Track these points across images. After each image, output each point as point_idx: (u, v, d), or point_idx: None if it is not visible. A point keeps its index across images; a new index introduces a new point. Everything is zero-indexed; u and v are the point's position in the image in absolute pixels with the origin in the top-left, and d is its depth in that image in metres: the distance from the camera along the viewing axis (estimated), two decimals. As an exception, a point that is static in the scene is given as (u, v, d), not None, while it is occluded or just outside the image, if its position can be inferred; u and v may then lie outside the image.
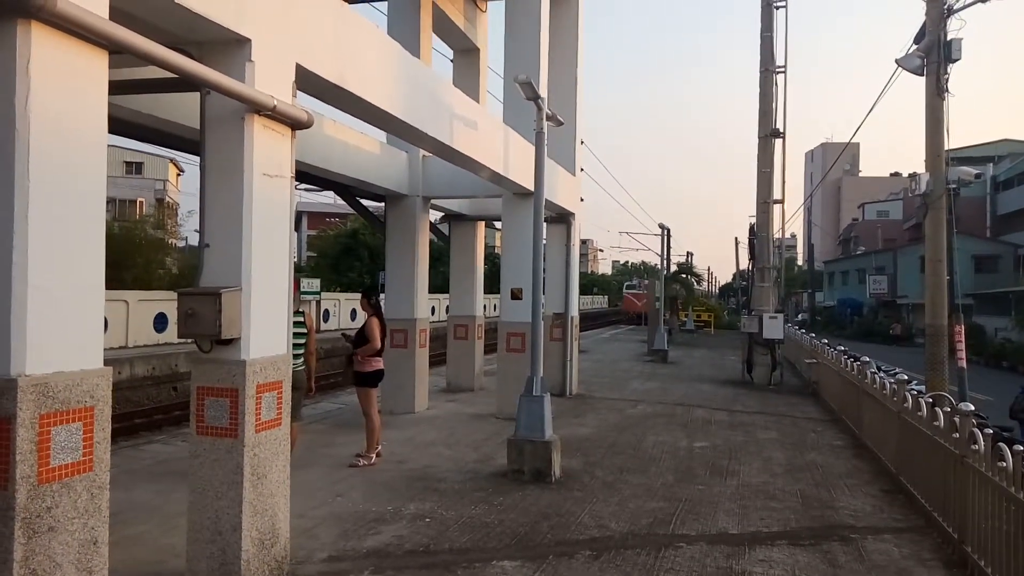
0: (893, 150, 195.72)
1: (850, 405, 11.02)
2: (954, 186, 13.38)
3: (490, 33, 14.59)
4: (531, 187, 9.27)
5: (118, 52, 3.66)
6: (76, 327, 3.48)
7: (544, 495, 7.13)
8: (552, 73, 12.36)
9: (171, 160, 48.39)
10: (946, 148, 11.93)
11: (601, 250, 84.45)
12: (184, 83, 4.49)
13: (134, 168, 48.61)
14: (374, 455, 8.13)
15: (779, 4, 17.36)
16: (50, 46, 3.27)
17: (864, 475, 8.34)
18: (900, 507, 7.07)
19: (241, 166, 4.62)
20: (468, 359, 14.38)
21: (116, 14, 3.60)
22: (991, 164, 52.24)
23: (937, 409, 6.60)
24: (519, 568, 5.29)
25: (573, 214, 13.82)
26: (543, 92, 10.12)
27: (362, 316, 8.58)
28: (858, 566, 5.50)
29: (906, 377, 8.30)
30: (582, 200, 14.84)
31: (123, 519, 5.87)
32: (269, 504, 4.90)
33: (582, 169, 15.00)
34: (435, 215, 14.84)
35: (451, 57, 14.15)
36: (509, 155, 9.93)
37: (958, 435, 5.81)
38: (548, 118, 8.67)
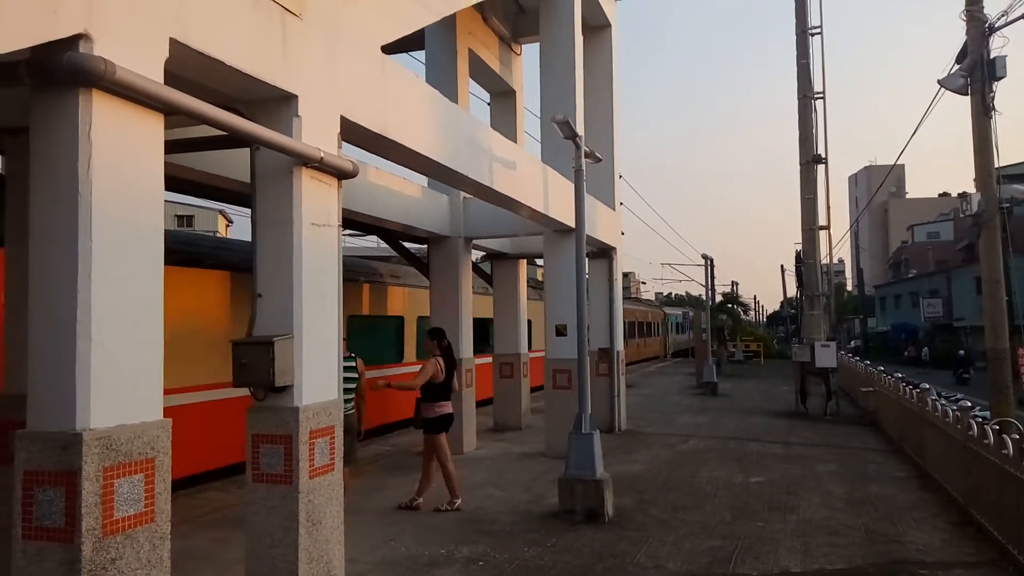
0: (940, 170, 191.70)
1: (911, 434, 10.66)
2: (1007, 205, 13.01)
3: (525, 74, 14.83)
4: (571, 224, 9.30)
5: (173, 114, 3.82)
6: (137, 381, 3.58)
7: (598, 535, 7.01)
8: (588, 110, 12.48)
9: (220, 212, 49.81)
10: (996, 166, 11.65)
11: (644, 283, 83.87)
12: (235, 140, 4.66)
13: (185, 221, 50.13)
14: (457, 501, 7.98)
15: (814, 31, 17.31)
16: (110, 112, 3.43)
17: (930, 507, 8.02)
18: (971, 540, 6.77)
19: (290, 217, 4.75)
20: (515, 397, 14.34)
21: (169, 78, 3.76)
22: (1045, 179, 50.66)
23: (1005, 436, 6.34)
24: (576, 612, 5.18)
25: (614, 248, 13.80)
26: (580, 130, 10.20)
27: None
28: (930, 604, 5.27)
29: (969, 403, 8.02)
30: (623, 234, 14.83)
31: (182, 568, 5.93)
32: (324, 550, 4.92)
33: (621, 203, 15.01)
34: (477, 255, 14.97)
35: (488, 100, 14.40)
36: (548, 193, 10.00)
37: (1029, 463, 5.58)
38: (586, 155, 8.73)
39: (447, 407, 8.09)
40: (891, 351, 49.91)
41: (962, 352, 33.16)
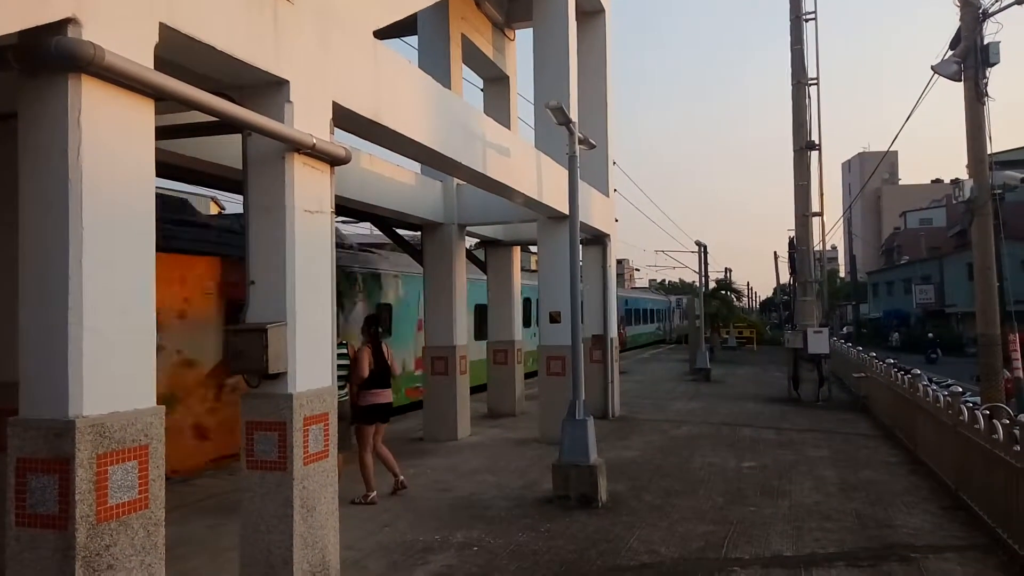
0: (933, 156, 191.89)
1: (903, 420, 10.74)
2: (999, 191, 13.04)
3: (519, 60, 14.76)
4: (565, 210, 9.30)
5: (163, 99, 3.79)
6: (129, 368, 3.57)
7: (591, 520, 7.05)
8: (582, 96, 12.43)
9: (212, 199, 49.49)
10: (989, 153, 11.68)
11: (637, 269, 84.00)
12: (226, 126, 4.64)
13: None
14: (372, 494, 7.76)
15: (808, 16, 17.27)
16: (99, 97, 3.40)
17: (921, 492, 8.09)
18: (961, 524, 6.83)
19: (283, 203, 4.73)
20: (508, 384, 14.38)
21: (160, 63, 3.73)
22: (1037, 166, 50.76)
23: (995, 421, 6.39)
24: (570, 596, 5.22)
25: (608, 235, 13.80)
26: (574, 116, 10.16)
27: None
28: (920, 587, 5.33)
29: (960, 389, 8.07)
30: (617, 221, 14.82)
31: (176, 555, 5.93)
32: (319, 536, 4.93)
33: (615, 190, 15.01)
34: (471, 241, 14.96)
35: (481, 86, 14.33)
36: (542, 180, 9.98)
37: (1019, 447, 5.62)
38: (580, 142, 8.70)
39: (379, 396, 7.90)
40: (883, 337, 50.17)
41: (931, 335, 40.03)
